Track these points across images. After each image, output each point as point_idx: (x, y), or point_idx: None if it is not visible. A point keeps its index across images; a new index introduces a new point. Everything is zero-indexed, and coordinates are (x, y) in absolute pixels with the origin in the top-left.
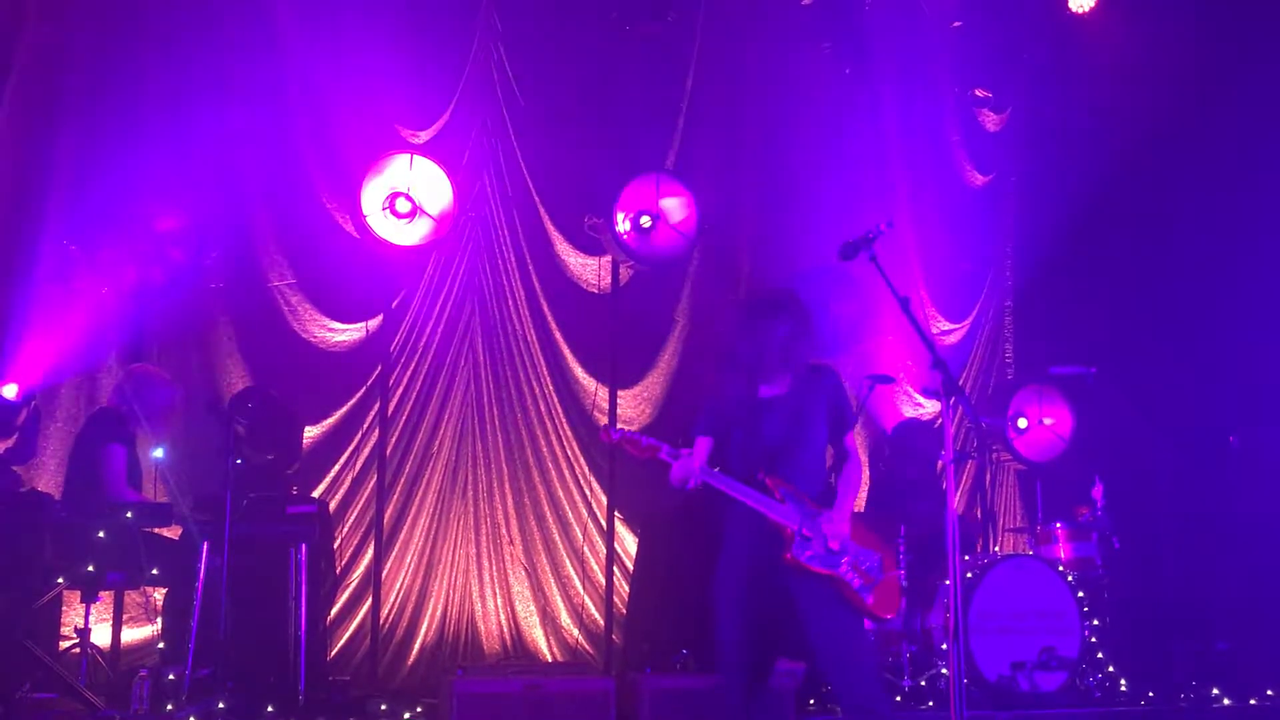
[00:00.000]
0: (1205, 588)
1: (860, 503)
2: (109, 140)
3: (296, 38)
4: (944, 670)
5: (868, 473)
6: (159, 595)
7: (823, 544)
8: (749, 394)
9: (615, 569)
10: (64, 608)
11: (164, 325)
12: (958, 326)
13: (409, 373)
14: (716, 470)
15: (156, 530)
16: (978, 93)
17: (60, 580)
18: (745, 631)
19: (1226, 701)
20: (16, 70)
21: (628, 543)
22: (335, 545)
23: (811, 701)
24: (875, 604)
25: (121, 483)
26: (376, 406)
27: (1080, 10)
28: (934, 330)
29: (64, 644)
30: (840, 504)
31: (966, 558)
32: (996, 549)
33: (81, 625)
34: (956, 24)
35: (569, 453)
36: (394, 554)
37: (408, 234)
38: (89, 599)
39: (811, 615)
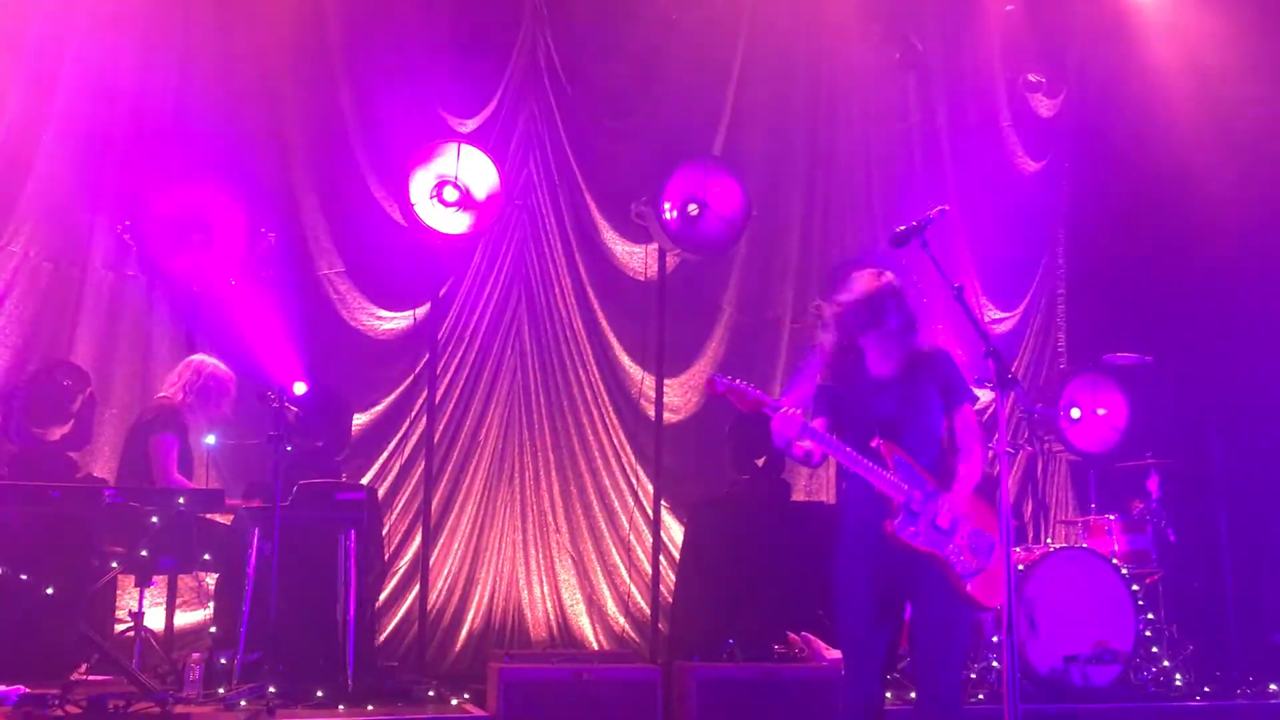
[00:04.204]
0: (1263, 581)
1: None
2: (161, 127)
3: (344, 27)
4: (995, 663)
5: None
6: (211, 580)
7: (930, 520)
8: (861, 374)
9: (661, 557)
10: (119, 592)
11: (215, 313)
12: (1009, 315)
13: (456, 360)
14: (823, 433)
15: (209, 516)
16: (1030, 77)
17: (115, 565)
18: (871, 615)
19: None
20: (72, 56)
21: (674, 531)
22: (384, 531)
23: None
24: (976, 591)
25: (171, 472)
26: (424, 394)
27: None
28: (985, 318)
29: (119, 627)
30: (960, 481)
31: (1019, 550)
32: (1048, 541)
33: (136, 609)
34: (1009, 7)
35: (615, 441)
36: (441, 540)
37: (455, 222)
38: (143, 583)
39: (910, 592)
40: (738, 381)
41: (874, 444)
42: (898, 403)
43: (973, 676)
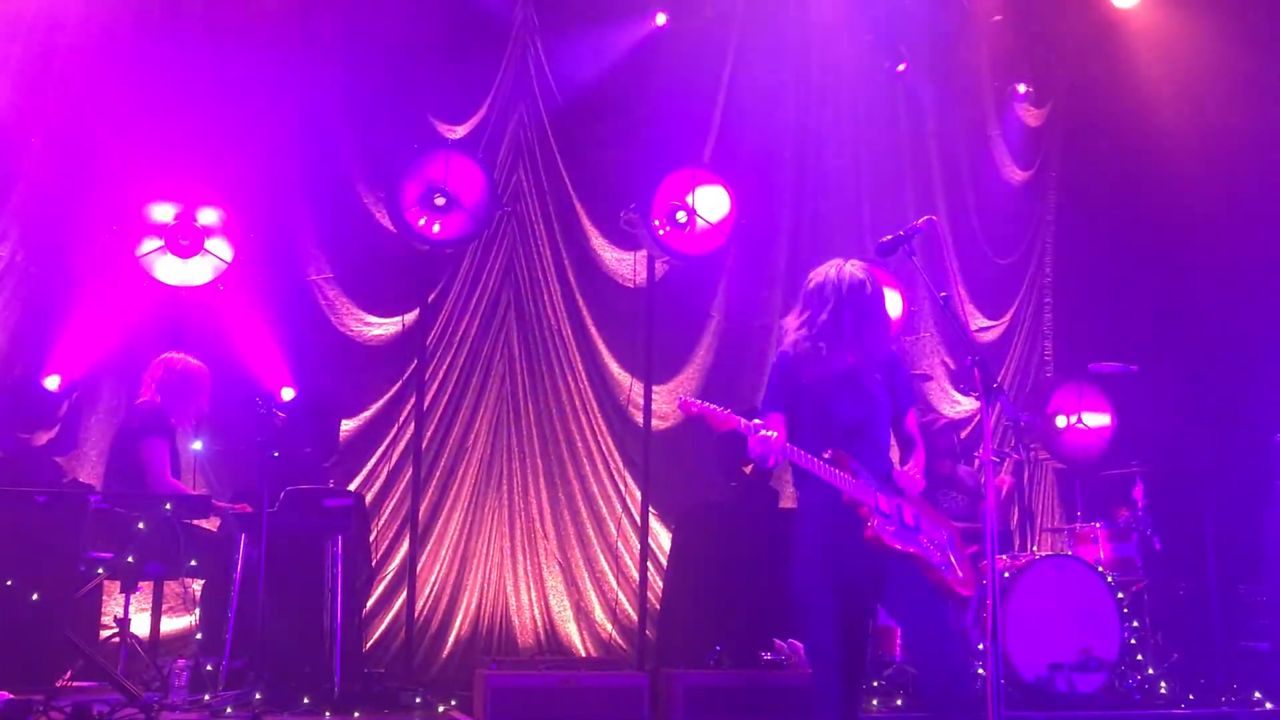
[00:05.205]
0: (1247, 589)
1: None
2: (151, 132)
3: (335, 33)
4: (980, 670)
5: None
6: (197, 586)
7: (900, 521)
8: (818, 369)
9: (649, 564)
10: (104, 598)
11: (203, 317)
12: (996, 323)
13: (445, 366)
14: (795, 448)
15: (195, 522)
16: (1018, 87)
17: (100, 571)
18: (840, 622)
19: (1269, 705)
20: (61, 60)
21: (662, 538)
22: (371, 538)
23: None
24: (956, 581)
25: (165, 475)
26: (412, 400)
27: (1123, 5)
28: (972, 326)
29: (104, 634)
30: (912, 481)
31: (1004, 557)
32: (1034, 549)
33: (121, 615)
34: (997, 18)
35: (604, 447)
36: (429, 547)
37: (444, 228)
38: (129, 589)
39: (897, 596)
40: (709, 405)
41: (828, 455)
42: (855, 403)
43: None
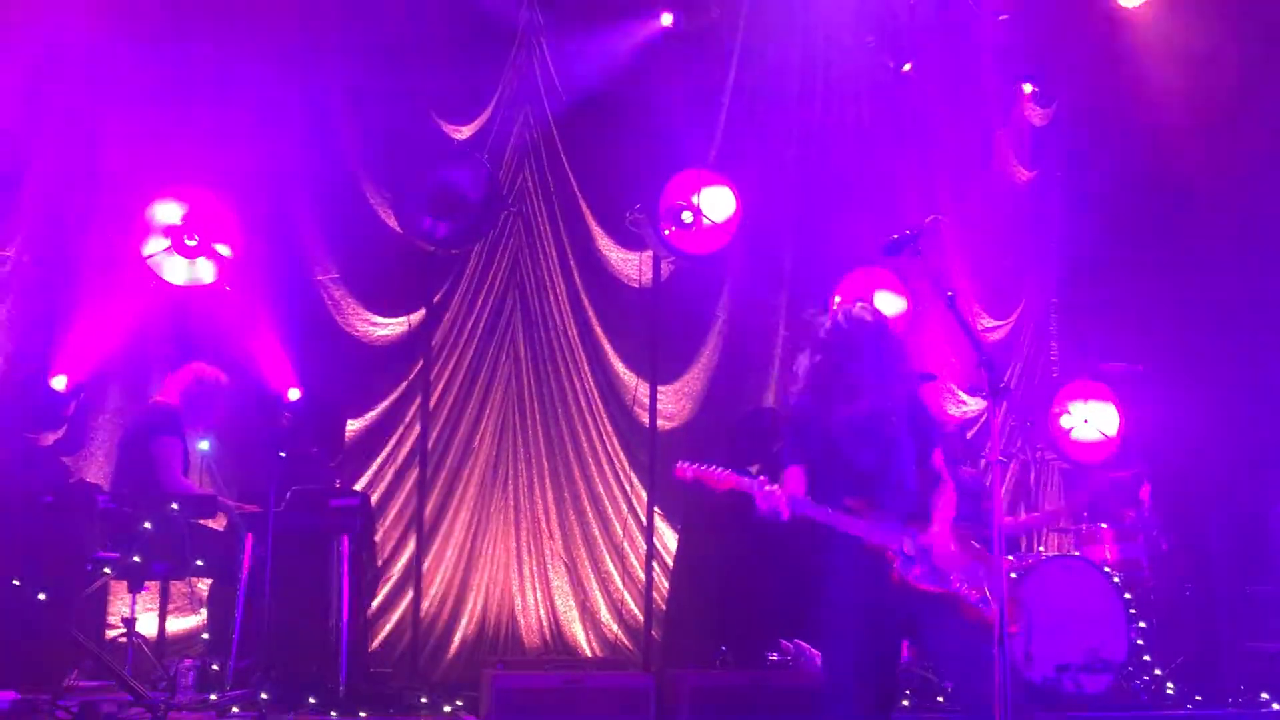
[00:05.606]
0: (1255, 590)
1: None
2: (154, 133)
3: (340, 33)
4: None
5: None
6: (204, 586)
7: (928, 561)
8: (831, 415)
9: (655, 565)
10: (111, 597)
11: (209, 318)
12: (1002, 323)
13: (450, 367)
14: (807, 499)
15: (202, 521)
16: (1024, 87)
17: (107, 570)
18: (864, 663)
19: (1276, 706)
20: (66, 61)
21: (668, 539)
22: (377, 538)
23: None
24: (992, 616)
25: (177, 474)
26: (418, 400)
27: (1129, 4)
28: (978, 326)
29: (110, 633)
30: (939, 520)
31: (1011, 558)
32: (1041, 549)
33: (128, 615)
34: (1003, 17)
35: (609, 448)
36: (435, 547)
37: (449, 229)
38: (135, 589)
39: (933, 638)
40: (706, 467)
41: (847, 503)
42: (874, 450)
43: None
